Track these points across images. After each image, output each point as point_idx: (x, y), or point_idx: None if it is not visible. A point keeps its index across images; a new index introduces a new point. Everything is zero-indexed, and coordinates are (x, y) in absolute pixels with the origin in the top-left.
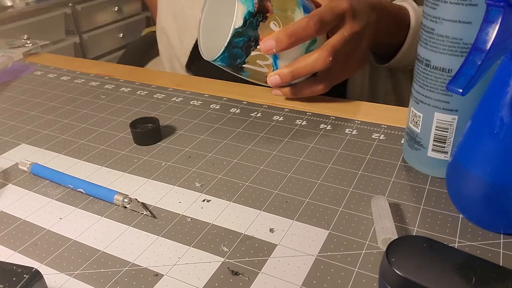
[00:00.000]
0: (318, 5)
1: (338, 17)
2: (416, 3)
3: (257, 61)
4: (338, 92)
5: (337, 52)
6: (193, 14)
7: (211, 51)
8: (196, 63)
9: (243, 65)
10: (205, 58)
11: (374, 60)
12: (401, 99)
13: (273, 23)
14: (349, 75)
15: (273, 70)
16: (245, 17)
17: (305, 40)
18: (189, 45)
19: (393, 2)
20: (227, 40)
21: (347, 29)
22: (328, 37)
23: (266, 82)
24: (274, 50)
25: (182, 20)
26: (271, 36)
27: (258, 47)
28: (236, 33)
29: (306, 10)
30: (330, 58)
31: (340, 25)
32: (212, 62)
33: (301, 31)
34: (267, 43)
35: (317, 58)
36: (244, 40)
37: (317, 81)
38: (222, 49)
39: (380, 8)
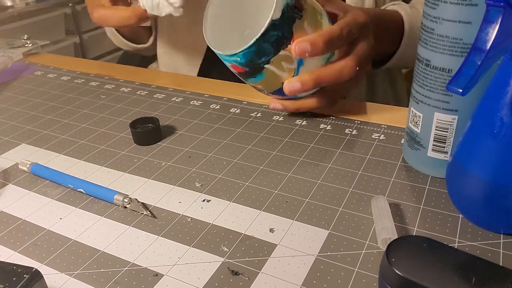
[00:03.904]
0: (333, 15)
1: (360, 29)
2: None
3: (282, 62)
4: None
5: (360, 64)
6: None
7: (223, 46)
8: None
9: (265, 65)
10: (218, 52)
11: None
12: (400, 104)
13: (307, 23)
14: (354, 88)
15: (293, 76)
16: (283, 9)
17: (336, 49)
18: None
19: (386, 6)
20: (262, 31)
21: (366, 43)
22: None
23: (271, 92)
24: (307, 54)
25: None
26: (305, 38)
27: (289, 46)
28: (272, 26)
29: (329, 19)
30: (357, 68)
31: (360, 38)
32: (227, 60)
33: (336, 39)
34: (302, 45)
35: (344, 67)
36: (278, 35)
37: (325, 96)
38: (253, 41)
39: (375, 22)
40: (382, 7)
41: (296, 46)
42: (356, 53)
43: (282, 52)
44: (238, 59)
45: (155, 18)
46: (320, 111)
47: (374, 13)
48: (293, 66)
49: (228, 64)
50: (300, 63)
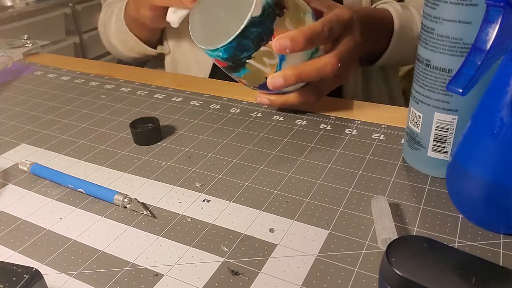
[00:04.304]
0: (319, 13)
1: (344, 26)
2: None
3: (264, 58)
4: (333, 95)
5: (342, 61)
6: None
7: (209, 42)
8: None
9: (247, 60)
10: (201, 47)
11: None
12: (394, 102)
13: (288, 20)
14: (339, 84)
15: (276, 71)
16: (264, 6)
17: (317, 45)
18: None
19: (377, 4)
20: (241, 28)
21: (350, 40)
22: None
23: (256, 86)
24: (287, 50)
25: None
26: (286, 35)
27: (270, 42)
28: (252, 22)
29: (313, 16)
30: (339, 65)
31: (343, 34)
32: (210, 54)
33: (316, 35)
34: (282, 42)
35: (326, 63)
36: (258, 31)
37: (309, 91)
38: (233, 37)
39: (365, 21)
40: (373, 6)
41: (277, 42)
42: (339, 50)
43: (263, 48)
44: (220, 54)
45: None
46: (306, 107)
47: (363, 12)
48: (275, 62)
49: (212, 59)
50: (282, 58)
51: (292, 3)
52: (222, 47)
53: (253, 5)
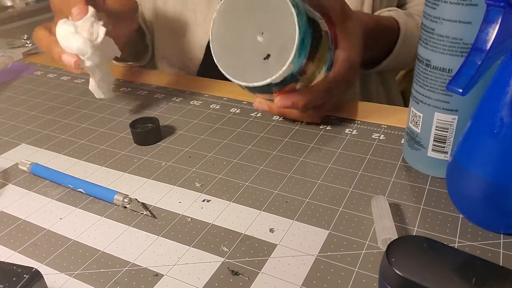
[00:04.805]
0: (331, 25)
1: (347, 82)
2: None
3: (259, 94)
4: None
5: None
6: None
7: (222, 56)
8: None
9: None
10: (216, 61)
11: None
12: (392, 105)
13: (300, 83)
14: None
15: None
16: (286, 77)
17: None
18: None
19: (381, 11)
20: (255, 85)
21: (344, 91)
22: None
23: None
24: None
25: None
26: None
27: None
28: (267, 84)
29: (329, 68)
30: (319, 121)
31: (341, 91)
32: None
33: (316, 101)
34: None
35: (307, 117)
36: (268, 90)
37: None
38: (243, 85)
39: (370, 28)
40: (377, 12)
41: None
42: (325, 108)
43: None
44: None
45: (151, 26)
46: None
47: (370, 19)
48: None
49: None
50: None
51: (313, 67)
52: (229, 78)
53: (278, 74)
